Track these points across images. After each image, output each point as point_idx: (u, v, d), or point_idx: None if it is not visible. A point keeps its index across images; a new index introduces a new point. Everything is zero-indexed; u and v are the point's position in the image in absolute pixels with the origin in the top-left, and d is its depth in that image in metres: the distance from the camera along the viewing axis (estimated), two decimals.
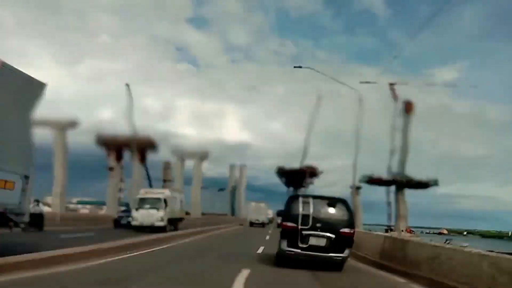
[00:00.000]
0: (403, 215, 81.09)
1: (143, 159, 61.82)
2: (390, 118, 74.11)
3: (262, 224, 42.83)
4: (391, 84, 77.31)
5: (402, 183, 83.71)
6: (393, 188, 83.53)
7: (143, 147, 61.56)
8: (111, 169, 60.35)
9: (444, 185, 73.28)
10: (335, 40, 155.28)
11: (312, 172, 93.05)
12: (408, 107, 76.77)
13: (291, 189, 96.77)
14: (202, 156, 69.88)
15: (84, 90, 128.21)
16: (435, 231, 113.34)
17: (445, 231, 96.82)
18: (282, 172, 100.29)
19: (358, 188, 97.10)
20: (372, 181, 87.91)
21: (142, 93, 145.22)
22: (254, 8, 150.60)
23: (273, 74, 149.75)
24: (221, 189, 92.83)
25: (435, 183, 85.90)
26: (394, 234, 19.14)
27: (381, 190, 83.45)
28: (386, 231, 57.57)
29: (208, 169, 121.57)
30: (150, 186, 66.31)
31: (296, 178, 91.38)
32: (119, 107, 77.67)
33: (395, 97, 75.64)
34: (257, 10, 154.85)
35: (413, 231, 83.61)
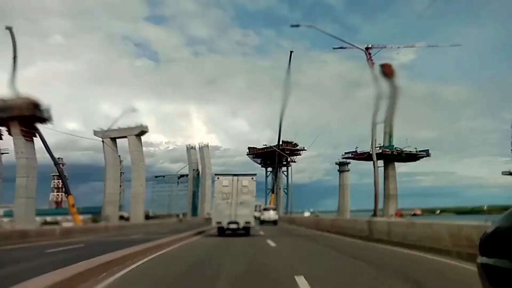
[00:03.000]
0: (393, 196, 69.29)
1: (29, 134, 39.49)
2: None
3: (245, 230, 17.08)
4: (367, 48, 65.46)
5: (392, 155, 71.03)
6: (379, 165, 73.13)
7: (26, 116, 38.38)
8: None
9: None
10: (296, 29, 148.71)
11: (292, 149, 75.34)
12: (386, 70, 66.68)
13: (269, 170, 79.14)
14: (138, 132, 49.60)
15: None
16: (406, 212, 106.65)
17: (419, 212, 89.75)
18: (256, 153, 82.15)
19: (344, 164, 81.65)
20: (358, 156, 74.09)
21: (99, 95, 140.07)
22: (211, 6, 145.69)
23: (234, 64, 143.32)
24: (182, 176, 73.41)
25: (426, 154, 73.96)
26: (378, 219, 16.63)
27: (355, 171, 73.86)
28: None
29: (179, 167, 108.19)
30: (62, 180, 45.96)
31: (274, 156, 73.03)
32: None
33: (371, 62, 64.32)
34: (214, 8, 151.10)
35: (410, 215, 72.12)
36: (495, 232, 2.20)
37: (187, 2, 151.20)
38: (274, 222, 32.02)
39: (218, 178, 17.36)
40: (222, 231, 16.93)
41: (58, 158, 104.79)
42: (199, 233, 18.62)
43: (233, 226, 16.46)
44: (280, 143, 72.12)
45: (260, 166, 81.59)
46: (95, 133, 52.76)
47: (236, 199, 16.35)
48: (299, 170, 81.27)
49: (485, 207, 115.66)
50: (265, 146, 76.91)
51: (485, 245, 2.28)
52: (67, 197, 46.60)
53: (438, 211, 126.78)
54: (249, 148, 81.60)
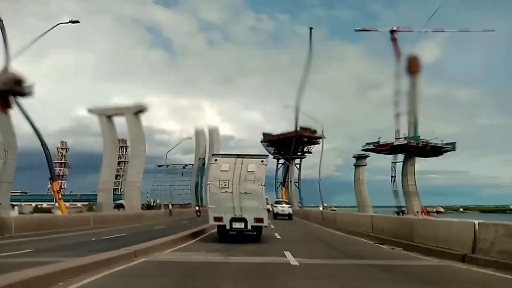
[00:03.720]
0: (412, 192, 63.26)
1: (4, 106, 33.93)
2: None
3: (256, 230, 12.35)
4: (392, 31, 61.84)
5: (417, 148, 64.33)
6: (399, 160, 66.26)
7: (3, 90, 33.73)
8: None
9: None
10: (315, 14, 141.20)
11: (310, 136, 67.71)
12: (413, 65, 62.09)
13: (280, 163, 71.83)
14: (136, 110, 43.09)
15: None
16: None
17: (441, 209, 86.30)
18: (270, 140, 74.84)
19: (362, 157, 74.59)
20: (379, 148, 67.03)
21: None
22: None
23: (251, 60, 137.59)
24: (186, 166, 68.32)
25: (452, 147, 66.76)
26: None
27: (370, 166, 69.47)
28: (397, 214, 49.12)
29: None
30: (48, 164, 39.81)
31: (290, 145, 65.67)
32: None
33: (397, 54, 60.43)
34: None
35: (433, 212, 65.79)
36: None
37: None
38: (289, 217, 30.66)
39: (215, 160, 12.40)
40: (223, 233, 12.24)
41: (62, 141, 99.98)
42: (191, 236, 12.96)
43: (238, 225, 11.76)
44: (298, 128, 65.01)
45: (272, 157, 74.44)
46: (90, 110, 46.59)
47: (238, 188, 11.82)
48: (309, 166, 74.97)
49: (511, 206, 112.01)
50: (281, 134, 69.75)
51: None
52: (51, 182, 41.17)
53: (461, 209, 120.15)
54: (264, 134, 74.49)
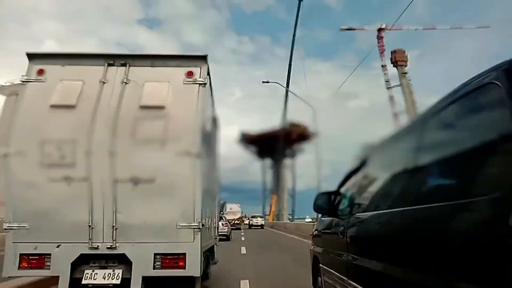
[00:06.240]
0: None
1: None
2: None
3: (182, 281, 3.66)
4: (380, 30, 59.18)
5: None
6: None
7: None
8: None
9: None
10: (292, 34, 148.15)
11: (300, 134, 56.13)
12: (398, 56, 59.16)
13: (268, 161, 60.02)
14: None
15: None
16: None
17: None
18: (250, 140, 62.71)
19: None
20: None
21: None
22: (207, 7, 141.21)
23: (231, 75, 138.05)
24: None
25: None
26: None
27: None
28: None
29: None
30: None
31: (275, 143, 53.83)
32: None
33: (381, 50, 58.41)
34: (209, 9, 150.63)
35: None
36: (316, 230, 4.19)
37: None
38: (261, 226, 35.92)
39: (39, 72, 3.57)
40: None
41: None
42: None
43: (100, 278, 3.18)
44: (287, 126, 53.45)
45: (255, 158, 62.53)
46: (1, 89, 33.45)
47: (109, 166, 3.41)
48: (300, 175, 66.01)
49: None
50: (263, 132, 57.89)
51: (313, 238, 4.42)
52: None
53: None
54: (242, 134, 62.33)
